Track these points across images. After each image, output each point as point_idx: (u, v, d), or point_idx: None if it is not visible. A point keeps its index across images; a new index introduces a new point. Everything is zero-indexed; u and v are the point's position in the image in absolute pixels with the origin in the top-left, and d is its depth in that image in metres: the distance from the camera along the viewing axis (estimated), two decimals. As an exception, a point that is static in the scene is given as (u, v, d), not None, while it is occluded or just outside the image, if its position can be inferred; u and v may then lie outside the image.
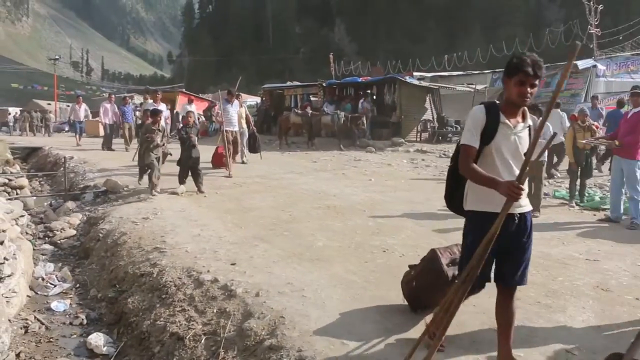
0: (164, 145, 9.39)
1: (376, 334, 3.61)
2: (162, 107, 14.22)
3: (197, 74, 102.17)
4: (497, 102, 3.15)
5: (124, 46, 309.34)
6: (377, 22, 76.24)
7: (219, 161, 12.19)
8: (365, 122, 19.33)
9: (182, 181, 9.29)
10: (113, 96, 19.51)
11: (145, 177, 9.55)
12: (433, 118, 22.35)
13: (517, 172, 2.94)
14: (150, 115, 9.46)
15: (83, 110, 20.11)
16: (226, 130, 11.59)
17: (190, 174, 9.28)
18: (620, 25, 30.63)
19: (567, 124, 8.05)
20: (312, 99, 26.47)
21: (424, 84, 23.30)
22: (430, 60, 41.01)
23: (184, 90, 38.48)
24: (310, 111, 21.12)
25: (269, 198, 8.96)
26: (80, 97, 21.15)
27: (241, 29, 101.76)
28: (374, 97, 24.28)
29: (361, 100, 21.29)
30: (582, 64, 23.47)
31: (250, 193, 9.36)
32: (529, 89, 2.92)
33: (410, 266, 4.08)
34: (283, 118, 21.42)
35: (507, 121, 2.99)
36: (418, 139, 21.19)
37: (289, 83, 33.90)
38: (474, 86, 21.93)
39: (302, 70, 71.45)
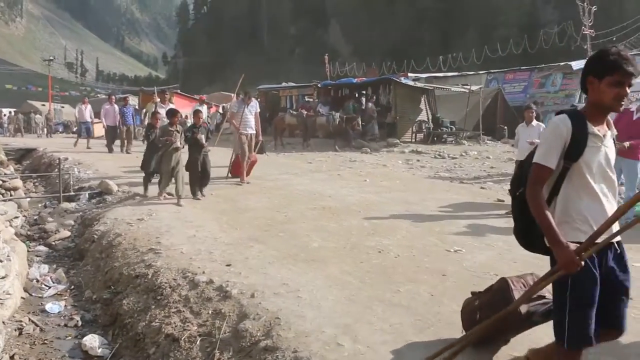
0: (183, 147, 8.64)
1: (372, 335, 3.60)
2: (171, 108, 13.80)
3: (192, 74, 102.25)
4: (575, 106, 2.81)
5: (118, 47, 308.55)
6: (372, 23, 76.37)
7: (237, 170, 11.02)
8: (360, 122, 19.37)
9: (194, 190, 8.76)
10: (113, 97, 18.91)
11: (151, 187, 9.05)
12: (428, 119, 22.41)
13: (610, 196, 2.56)
14: (168, 116, 8.76)
15: (89, 111, 19.45)
16: (241, 134, 10.55)
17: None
18: (614, 27, 30.78)
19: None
20: (307, 99, 26.48)
21: (419, 84, 23.37)
22: (425, 61, 41.15)
23: (178, 91, 38.42)
24: (305, 112, 21.13)
25: (264, 199, 8.95)
26: (86, 98, 20.62)
27: (236, 30, 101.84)
28: (371, 97, 24.32)
29: (365, 101, 21.14)
30: (576, 64, 23.60)
31: (245, 194, 9.35)
32: (627, 90, 2.45)
33: (473, 293, 3.59)
34: (278, 119, 21.44)
35: (596, 131, 2.50)
36: (413, 140, 21.23)
37: (284, 84, 33.89)
38: (468, 87, 21.98)
39: (297, 71, 71.53)
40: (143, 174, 9.37)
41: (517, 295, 3.08)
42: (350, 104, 21.66)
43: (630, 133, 7.19)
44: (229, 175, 11.23)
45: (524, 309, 3.08)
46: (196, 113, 9.55)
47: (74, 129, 40.41)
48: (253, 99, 12.11)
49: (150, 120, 9.30)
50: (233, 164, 11.24)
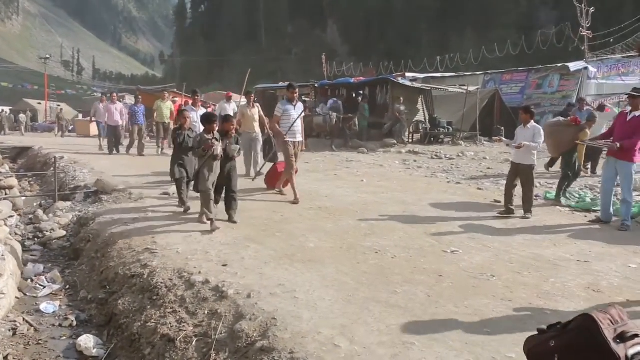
0: (221, 157, 6.85)
1: (368, 335, 3.59)
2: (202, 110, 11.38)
3: (189, 73, 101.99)
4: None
5: (115, 45, 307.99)
6: (370, 23, 76.43)
7: (274, 181, 9.50)
8: (356, 122, 19.37)
9: (211, 205, 6.79)
10: (115, 95, 18.14)
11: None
12: (425, 119, 22.40)
13: None
14: (203, 122, 7.00)
15: (119, 109, 17.86)
16: (287, 142, 8.56)
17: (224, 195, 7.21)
18: (611, 28, 30.81)
19: (540, 139, 7.79)
20: (304, 99, 26.46)
21: (416, 85, 23.35)
22: (422, 62, 41.15)
23: (175, 90, 38.31)
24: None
25: (261, 199, 8.94)
26: (104, 96, 18.79)
27: (233, 29, 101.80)
28: (367, 97, 24.28)
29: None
30: (573, 66, 23.65)
31: (241, 195, 9.31)
32: None
33: (541, 330, 2.85)
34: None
35: None
36: (410, 140, 21.23)
37: (281, 83, 33.86)
38: (466, 87, 21.98)
39: (294, 70, 71.52)
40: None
41: (608, 335, 2.57)
42: (365, 104, 21.31)
43: (624, 134, 7.23)
44: (267, 186, 9.71)
45: (621, 351, 2.51)
46: (228, 119, 7.33)
47: (70, 128, 40.45)
48: (248, 98, 11.34)
49: (178, 121, 8.12)
50: (269, 173, 9.75)
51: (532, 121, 8.02)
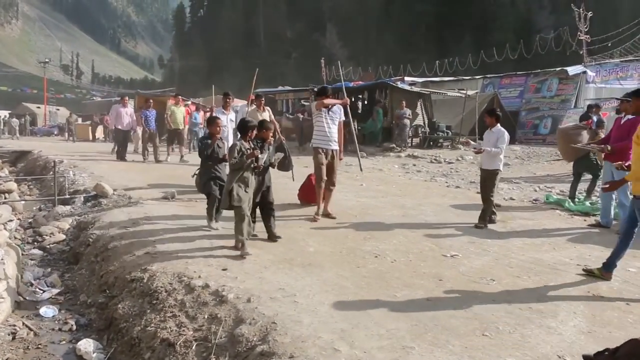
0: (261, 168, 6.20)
1: (368, 340, 3.59)
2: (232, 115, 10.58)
3: (188, 78, 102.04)
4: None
5: (114, 49, 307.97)
6: (368, 28, 76.49)
7: (309, 195, 8.27)
8: (355, 127, 19.36)
9: (246, 224, 5.99)
10: (127, 99, 17.10)
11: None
12: (424, 123, 22.43)
13: None
14: (242, 130, 6.18)
15: (130, 113, 16.42)
16: (320, 149, 7.56)
17: (259, 209, 6.51)
18: (609, 32, 30.91)
19: (503, 144, 7.59)
20: (303, 103, 26.50)
21: (415, 89, 23.41)
22: (421, 66, 41.22)
23: (174, 94, 38.31)
24: (302, 116, 21.12)
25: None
26: (126, 98, 17.27)
27: (232, 33, 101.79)
28: (365, 102, 24.33)
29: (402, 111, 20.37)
30: (572, 70, 23.71)
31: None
32: None
33: (588, 358, 2.76)
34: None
35: None
36: (409, 144, 21.25)
37: (280, 88, 33.92)
38: (465, 92, 22.03)
39: (293, 75, 71.55)
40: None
41: None
42: (380, 108, 21.10)
43: (618, 137, 7.29)
44: (300, 201, 8.64)
45: None
46: (266, 126, 6.52)
47: (55, 132, 40.51)
48: (257, 101, 10.21)
49: (208, 128, 7.29)
50: (303, 187, 8.71)
51: (498, 125, 7.68)
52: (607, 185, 5.88)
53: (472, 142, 9.79)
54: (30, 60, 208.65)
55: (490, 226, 7.41)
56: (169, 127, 15.81)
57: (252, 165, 5.96)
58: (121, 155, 15.79)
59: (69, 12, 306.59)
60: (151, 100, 17.02)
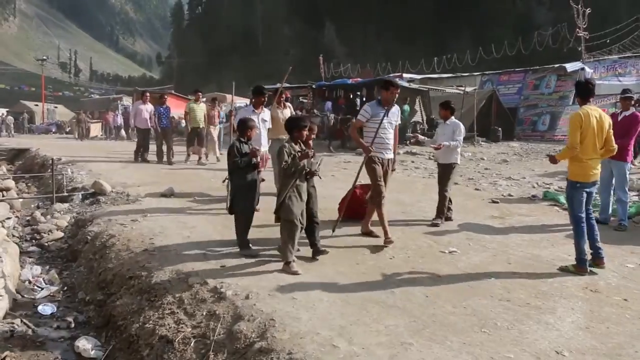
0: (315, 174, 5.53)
1: (367, 336, 3.60)
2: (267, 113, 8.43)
3: (186, 75, 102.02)
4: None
5: (112, 47, 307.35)
6: (367, 25, 76.52)
7: (354, 210, 6.93)
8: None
9: (296, 239, 5.26)
10: (148, 94, 15.32)
11: None
12: (423, 120, 22.42)
13: None
14: (293, 128, 5.44)
15: (150, 110, 14.71)
16: (375, 158, 6.23)
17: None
18: (608, 29, 30.92)
19: (461, 136, 7.24)
20: (301, 100, 26.47)
21: (413, 86, 23.38)
22: (419, 63, 41.18)
23: (173, 92, 38.32)
24: (300, 113, 21.08)
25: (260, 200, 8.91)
26: (147, 94, 15.51)
27: (230, 31, 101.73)
28: (364, 98, 24.28)
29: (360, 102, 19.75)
30: (570, 66, 23.71)
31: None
32: None
33: None
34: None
35: None
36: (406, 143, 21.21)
37: (278, 85, 33.88)
38: (463, 88, 22.02)
39: (291, 72, 71.52)
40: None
41: None
42: (406, 105, 20.60)
43: (616, 134, 7.30)
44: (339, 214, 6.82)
45: None
46: (308, 125, 5.63)
47: (67, 129, 40.38)
48: (277, 99, 8.81)
49: (238, 132, 6.03)
50: (344, 202, 7.02)
51: (452, 117, 7.50)
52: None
53: (421, 137, 9.46)
54: (28, 57, 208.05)
55: (488, 222, 7.41)
56: (188, 126, 14.53)
57: (304, 171, 5.28)
58: (142, 157, 14.67)
59: (66, 9, 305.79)
60: (166, 96, 15.68)
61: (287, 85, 31.86)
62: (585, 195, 5.32)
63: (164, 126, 14.45)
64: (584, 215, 5.28)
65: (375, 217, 6.38)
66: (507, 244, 6.23)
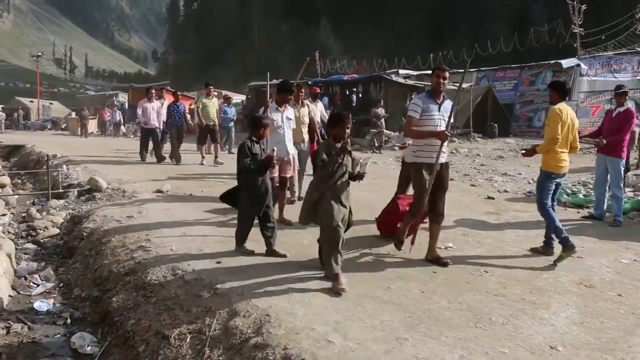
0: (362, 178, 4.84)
1: (362, 331, 3.61)
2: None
3: (182, 71, 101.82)
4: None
5: (108, 43, 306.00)
6: (362, 21, 76.34)
7: (394, 226, 5.93)
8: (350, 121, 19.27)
9: (339, 250, 4.68)
10: (153, 91, 14.26)
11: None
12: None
13: None
14: (334, 124, 4.78)
15: (157, 109, 13.87)
16: (425, 165, 5.22)
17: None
18: (603, 25, 30.94)
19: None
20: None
21: (409, 82, 23.40)
22: (415, 59, 41.15)
23: (168, 87, 38.16)
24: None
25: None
26: (153, 90, 14.40)
27: (226, 27, 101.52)
28: (360, 95, 24.32)
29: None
30: (566, 63, 23.75)
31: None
32: None
33: None
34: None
35: None
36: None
37: (274, 81, 33.84)
38: (459, 84, 22.04)
39: (287, 68, 71.35)
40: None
41: None
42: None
43: (610, 130, 7.37)
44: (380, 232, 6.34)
45: None
46: (345, 118, 4.82)
47: (63, 126, 40.25)
48: (298, 95, 7.92)
49: (251, 131, 5.63)
50: (385, 213, 6.33)
51: None
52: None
53: (387, 131, 9.04)
54: (22, 54, 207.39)
55: (484, 218, 7.44)
56: (200, 123, 13.51)
57: (346, 171, 4.64)
58: (142, 155, 13.85)
59: (61, 5, 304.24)
60: (179, 93, 14.92)
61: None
62: (553, 185, 5.75)
63: (179, 125, 13.57)
64: (549, 202, 5.71)
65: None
66: (503, 240, 6.26)
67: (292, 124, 7.17)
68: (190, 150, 14.96)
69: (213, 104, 13.48)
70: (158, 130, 13.66)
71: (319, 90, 10.79)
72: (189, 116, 15.00)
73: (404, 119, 7.11)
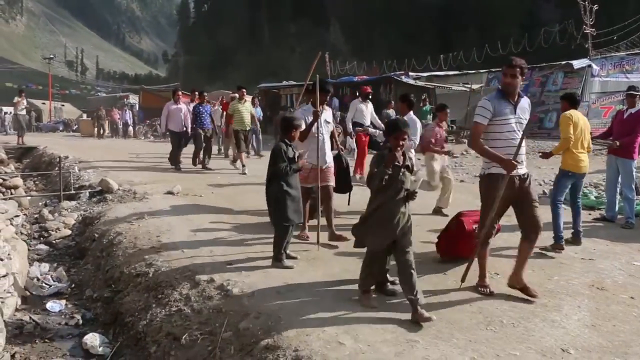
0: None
1: (373, 333, 3.60)
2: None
3: (192, 73, 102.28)
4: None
5: (118, 45, 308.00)
6: (372, 22, 76.34)
7: (458, 247, 5.28)
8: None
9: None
10: (180, 93, 13.62)
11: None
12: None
13: None
14: (390, 134, 4.14)
15: (184, 110, 13.03)
16: (500, 177, 4.38)
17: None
18: (615, 25, 30.69)
19: (416, 136, 6.70)
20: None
21: (419, 83, 23.34)
22: (425, 60, 41.04)
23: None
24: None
25: (264, 197, 8.92)
26: (179, 92, 13.74)
27: (236, 28, 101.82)
28: (369, 96, 24.22)
29: None
30: (577, 63, 23.54)
31: (245, 193, 9.33)
32: None
33: None
34: (278, 118, 21.43)
35: None
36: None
37: (284, 82, 33.88)
38: (469, 86, 21.96)
39: (297, 69, 71.50)
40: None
41: None
42: (428, 105, 19.93)
43: (622, 131, 7.30)
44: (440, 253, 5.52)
45: None
46: (395, 129, 4.12)
47: (74, 127, 40.46)
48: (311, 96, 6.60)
49: (281, 132, 5.44)
50: (447, 234, 5.56)
51: (410, 112, 6.81)
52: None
53: (371, 129, 8.62)
54: (35, 56, 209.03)
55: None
56: (234, 128, 12.60)
57: (400, 187, 4.07)
58: (175, 162, 12.82)
59: (73, 8, 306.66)
60: (205, 94, 13.88)
61: (293, 83, 31.92)
62: (569, 184, 6.17)
63: (206, 127, 12.79)
64: (562, 199, 6.10)
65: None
66: (512, 242, 6.20)
67: (330, 127, 6.58)
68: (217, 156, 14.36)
69: (246, 109, 12.62)
70: (187, 133, 12.98)
71: (370, 90, 10.16)
72: (217, 118, 14.43)
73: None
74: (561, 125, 6.20)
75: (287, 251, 5.32)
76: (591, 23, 28.11)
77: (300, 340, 3.50)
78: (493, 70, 28.52)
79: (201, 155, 12.91)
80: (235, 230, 6.57)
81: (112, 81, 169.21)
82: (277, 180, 5.17)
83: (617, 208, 7.57)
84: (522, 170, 4.43)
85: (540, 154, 6.79)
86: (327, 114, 6.43)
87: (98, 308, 5.42)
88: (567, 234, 6.12)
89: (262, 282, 4.59)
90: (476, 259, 4.57)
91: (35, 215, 9.49)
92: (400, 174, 4.04)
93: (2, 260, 5.44)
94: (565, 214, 6.19)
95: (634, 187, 7.40)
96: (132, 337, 4.54)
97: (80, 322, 5.15)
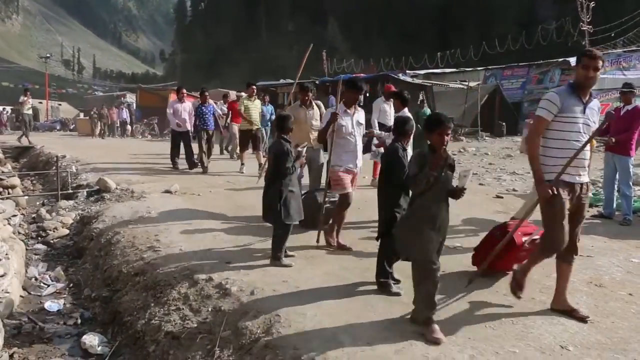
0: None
1: (372, 331, 3.60)
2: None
3: (190, 71, 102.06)
4: None
5: (115, 44, 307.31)
6: (370, 20, 76.32)
7: (512, 261, 4.72)
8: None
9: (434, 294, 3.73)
10: (184, 91, 13.04)
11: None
12: (426, 116, 22.40)
13: None
14: (432, 131, 3.74)
15: (188, 109, 12.71)
16: (556, 187, 3.83)
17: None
18: (612, 22, 30.74)
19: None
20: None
21: (417, 81, 23.34)
22: (423, 58, 41.08)
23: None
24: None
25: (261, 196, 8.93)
26: (184, 90, 13.16)
27: (234, 26, 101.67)
28: (367, 94, 24.24)
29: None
30: (574, 60, 23.54)
31: (243, 191, 9.33)
32: None
33: None
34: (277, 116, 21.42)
35: None
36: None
37: (282, 80, 33.85)
38: (467, 83, 21.97)
39: (295, 67, 71.42)
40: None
41: None
42: (426, 108, 19.83)
43: (619, 128, 7.32)
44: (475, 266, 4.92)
45: None
46: (439, 125, 3.73)
47: (71, 127, 40.39)
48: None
49: (278, 130, 5.36)
50: (486, 244, 4.95)
51: (405, 109, 6.64)
52: None
53: (376, 131, 8.10)
54: (31, 55, 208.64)
55: (492, 217, 7.40)
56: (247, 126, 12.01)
57: (442, 188, 3.74)
58: (174, 161, 12.68)
59: (69, 7, 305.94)
60: (207, 93, 12.99)
61: (290, 81, 31.86)
62: None
63: (209, 128, 12.40)
64: None
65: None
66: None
67: (362, 129, 6.07)
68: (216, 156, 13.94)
69: (256, 106, 12.07)
70: (190, 133, 12.63)
71: (393, 88, 9.80)
72: (220, 117, 14.19)
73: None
74: None
75: (286, 250, 5.33)
76: (588, 20, 28.18)
77: (299, 339, 3.51)
78: (490, 67, 28.60)
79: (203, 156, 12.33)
80: (233, 229, 6.56)
81: (109, 80, 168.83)
82: (281, 180, 5.12)
83: (614, 205, 7.58)
84: (585, 178, 3.98)
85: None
86: (359, 114, 5.93)
87: (96, 307, 5.41)
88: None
89: (261, 281, 4.59)
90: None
91: (33, 215, 9.47)
92: (443, 173, 3.71)
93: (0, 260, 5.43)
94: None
95: (631, 183, 7.42)
96: (131, 336, 4.53)
97: (79, 321, 5.15)
